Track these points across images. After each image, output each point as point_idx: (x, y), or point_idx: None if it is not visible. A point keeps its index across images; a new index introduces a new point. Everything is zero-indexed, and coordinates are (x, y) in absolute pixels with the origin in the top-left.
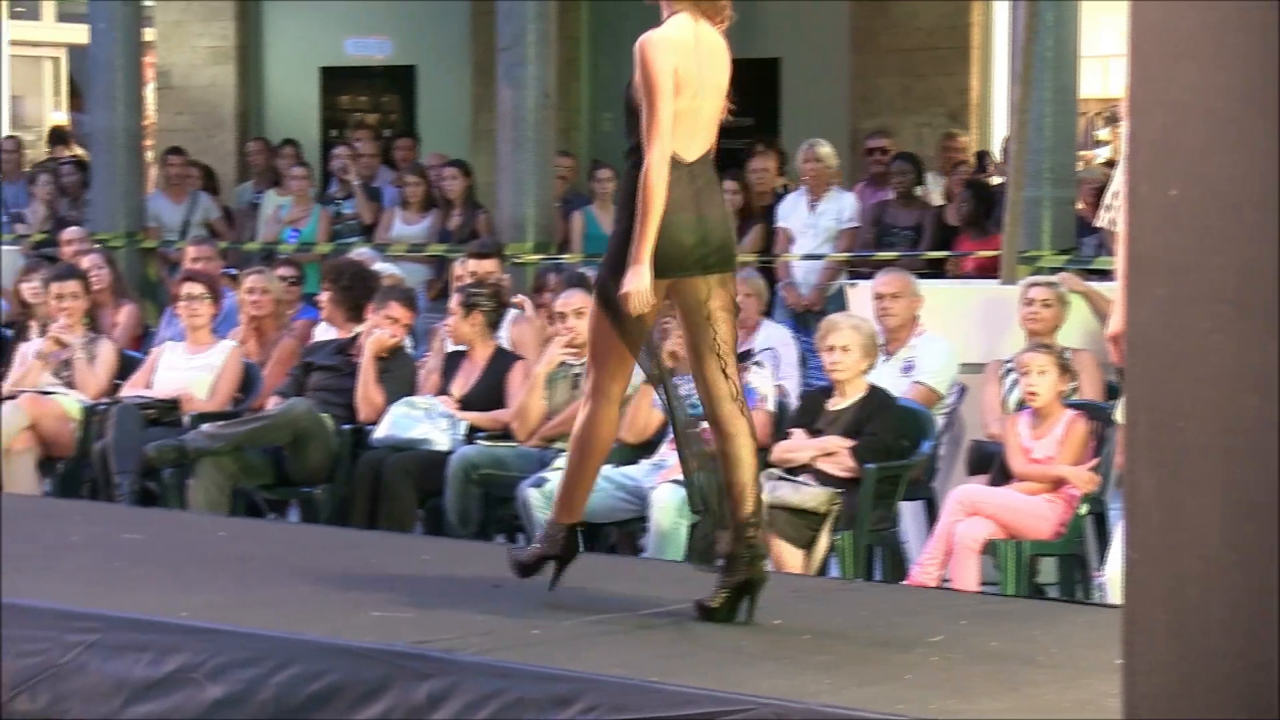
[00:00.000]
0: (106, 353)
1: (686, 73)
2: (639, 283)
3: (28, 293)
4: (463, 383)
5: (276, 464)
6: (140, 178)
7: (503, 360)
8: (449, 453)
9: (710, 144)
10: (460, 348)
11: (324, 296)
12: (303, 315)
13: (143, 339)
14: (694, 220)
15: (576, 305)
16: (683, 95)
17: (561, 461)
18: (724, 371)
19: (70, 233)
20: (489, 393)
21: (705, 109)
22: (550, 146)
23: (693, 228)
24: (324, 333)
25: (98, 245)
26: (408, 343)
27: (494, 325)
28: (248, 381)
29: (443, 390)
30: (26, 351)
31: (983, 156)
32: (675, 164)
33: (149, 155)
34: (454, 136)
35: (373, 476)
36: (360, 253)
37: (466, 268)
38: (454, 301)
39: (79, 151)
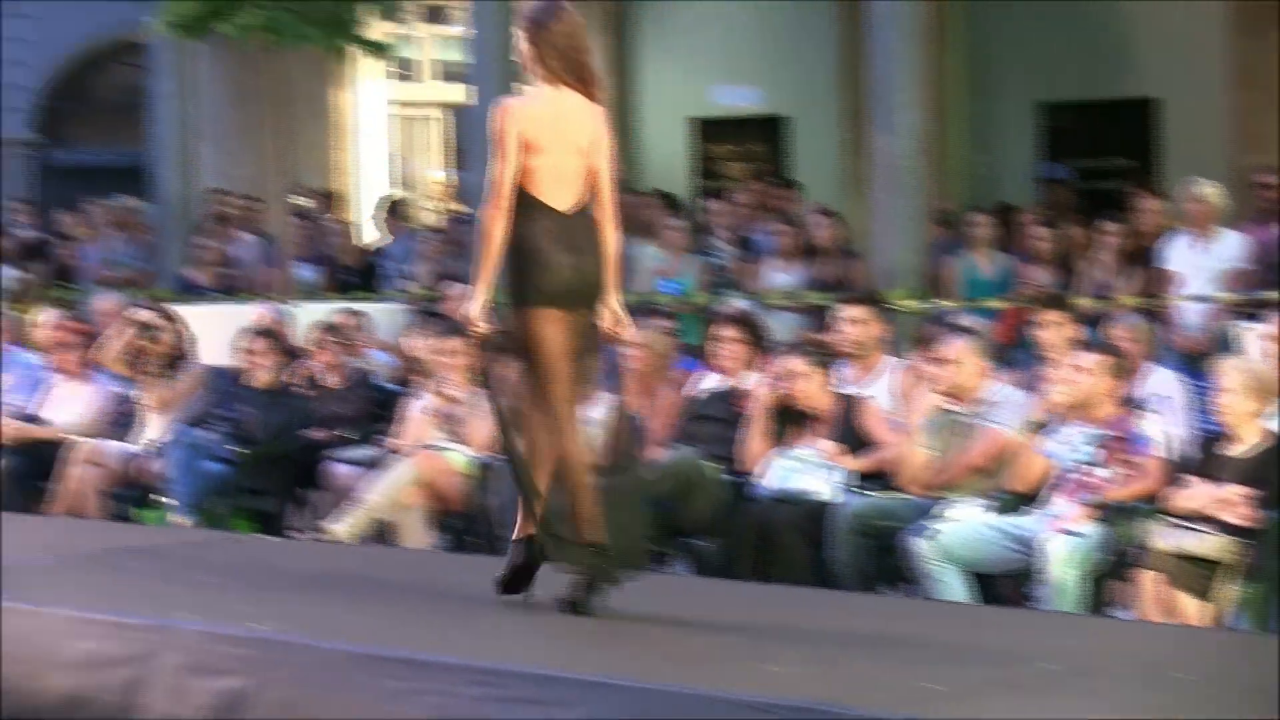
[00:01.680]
0: None
1: (536, 134)
2: (472, 307)
3: (416, 349)
4: (824, 432)
5: (663, 515)
6: None
7: (851, 405)
8: (834, 503)
9: (581, 196)
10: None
11: (722, 344)
12: (683, 366)
13: None
14: (572, 261)
15: (952, 352)
16: (536, 154)
17: (950, 511)
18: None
19: (457, 289)
20: (850, 439)
21: (569, 165)
22: (924, 192)
23: (571, 267)
24: (708, 384)
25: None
26: None
27: (827, 375)
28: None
29: (817, 441)
30: (416, 408)
31: None
32: (549, 212)
33: None
34: (825, 184)
35: (759, 528)
36: (736, 303)
37: (841, 316)
38: (790, 365)
39: (462, 208)
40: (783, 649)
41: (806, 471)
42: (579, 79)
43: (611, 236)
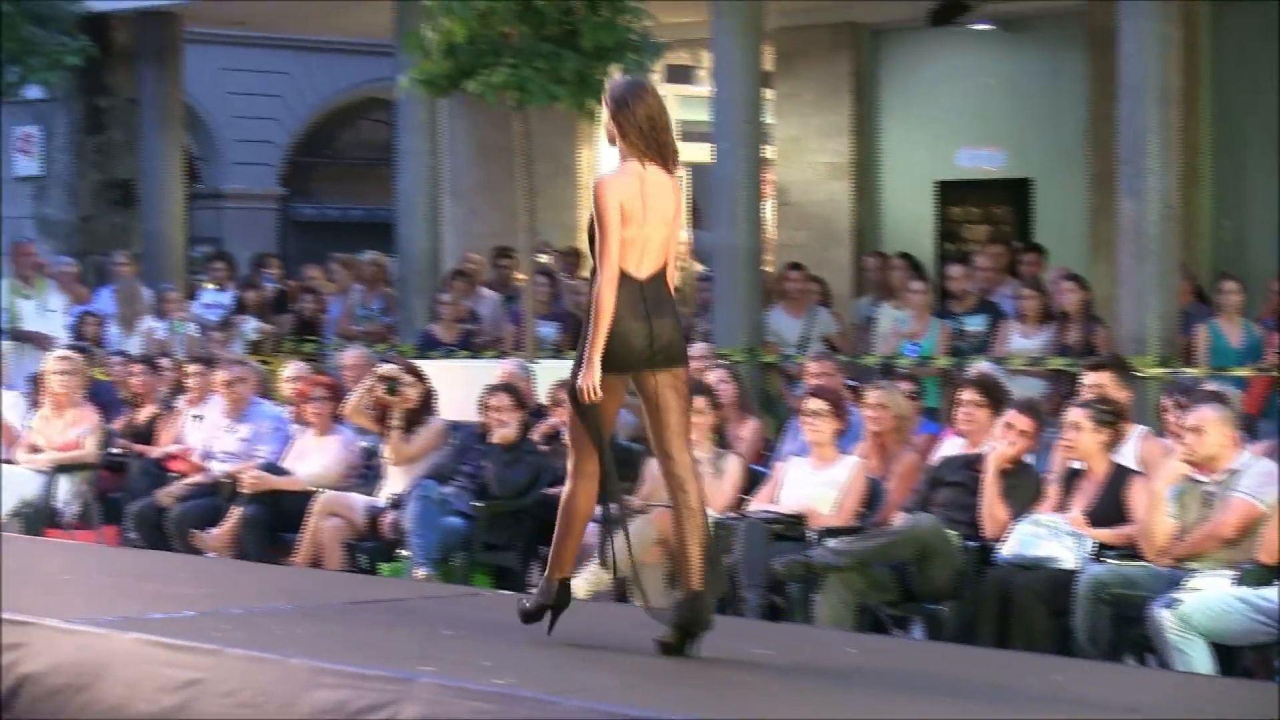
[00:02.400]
0: (733, 467)
1: (631, 207)
2: (589, 378)
3: None
4: (1083, 499)
5: (902, 580)
6: (760, 293)
7: (1122, 476)
8: (1077, 571)
9: (660, 264)
10: (1079, 464)
11: (964, 408)
12: (924, 429)
13: (766, 453)
14: (645, 328)
15: (1200, 421)
16: (629, 225)
17: (1195, 581)
18: (675, 447)
19: (696, 348)
20: (1110, 509)
21: (653, 237)
22: (1172, 258)
23: (644, 334)
24: (948, 448)
25: (722, 360)
26: (1028, 457)
27: (1114, 441)
28: (872, 497)
29: (1062, 507)
30: (656, 467)
31: None
32: (628, 280)
33: (767, 270)
34: (1070, 248)
35: (1000, 594)
36: (979, 366)
37: (1087, 381)
38: (1081, 416)
39: (701, 267)
40: (1021, 715)
41: (1050, 538)
42: (660, 154)
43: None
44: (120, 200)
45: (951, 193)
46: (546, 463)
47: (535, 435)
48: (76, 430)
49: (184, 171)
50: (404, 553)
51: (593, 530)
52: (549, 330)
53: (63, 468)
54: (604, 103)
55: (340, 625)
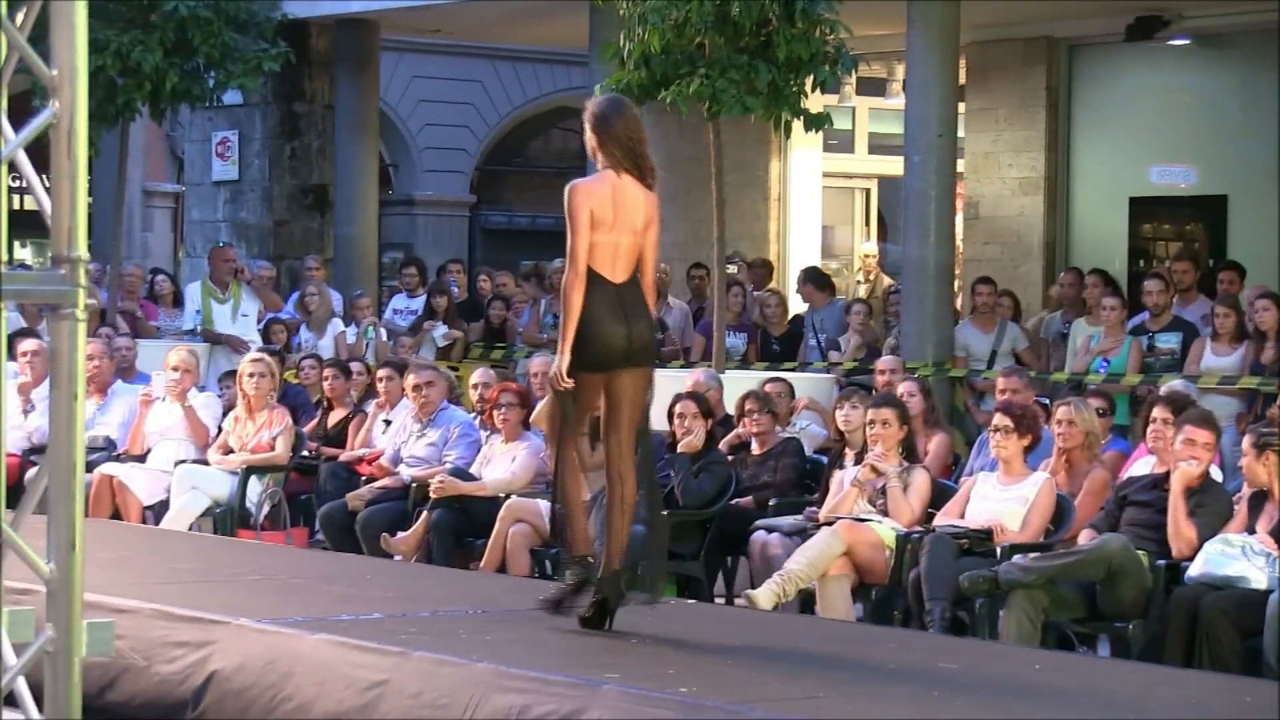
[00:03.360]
0: (921, 481)
1: (602, 213)
2: (556, 366)
3: (843, 420)
4: (1269, 519)
5: (1088, 598)
6: (950, 307)
7: None
8: (1269, 591)
9: (632, 269)
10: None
11: (1155, 426)
12: (1113, 447)
13: (953, 468)
14: (624, 330)
15: None
16: (599, 230)
17: None
18: (624, 440)
19: (885, 361)
20: None
21: (623, 243)
22: None
23: (623, 335)
24: (1138, 466)
25: (912, 373)
26: (1215, 473)
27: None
28: (1059, 514)
29: (1250, 528)
30: (843, 479)
31: None
32: (604, 283)
33: (957, 285)
34: (1268, 266)
35: (1188, 613)
36: (1172, 385)
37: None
38: (1246, 442)
39: (890, 280)
40: None
41: (1240, 558)
42: (636, 167)
43: (652, 305)
44: (314, 205)
45: (1144, 210)
46: (732, 472)
47: (722, 446)
48: (269, 432)
49: (377, 178)
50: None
51: (775, 542)
52: (737, 341)
53: (254, 469)
54: (585, 119)
55: (525, 630)
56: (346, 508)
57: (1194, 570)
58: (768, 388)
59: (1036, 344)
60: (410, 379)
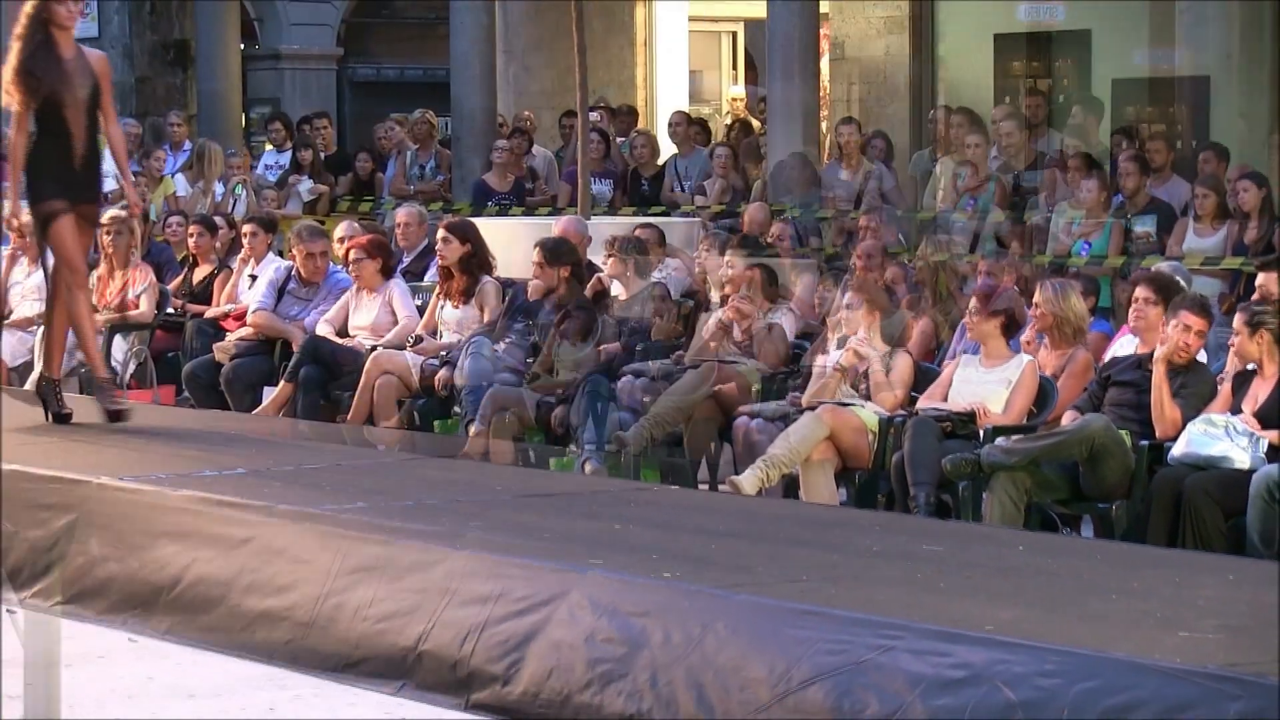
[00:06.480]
0: (903, 365)
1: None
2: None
3: (708, 264)
4: (1254, 400)
5: (1072, 479)
6: (816, 148)
7: None
8: (1251, 471)
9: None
10: (1250, 365)
11: (1137, 306)
12: (1095, 328)
13: (936, 351)
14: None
15: None
16: None
17: None
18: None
19: (753, 206)
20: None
21: None
22: None
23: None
24: (1120, 347)
25: (780, 214)
26: (1202, 355)
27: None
28: (1042, 395)
29: (1235, 408)
30: (825, 363)
31: None
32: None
33: (825, 126)
34: (1251, 148)
35: (1171, 494)
36: (1160, 266)
37: (1261, 282)
38: (1238, 320)
39: (755, 123)
40: (1195, 617)
41: (1223, 438)
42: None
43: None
44: (176, 61)
45: (1010, 46)
46: (600, 320)
47: (587, 291)
48: (133, 290)
49: (240, 32)
50: (457, 409)
51: (758, 428)
52: (603, 189)
53: (118, 327)
54: None
55: (501, 516)
56: (213, 362)
57: (1177, 450)
58: (638, 232)
59: (903, 183)
60: (302, 247)
